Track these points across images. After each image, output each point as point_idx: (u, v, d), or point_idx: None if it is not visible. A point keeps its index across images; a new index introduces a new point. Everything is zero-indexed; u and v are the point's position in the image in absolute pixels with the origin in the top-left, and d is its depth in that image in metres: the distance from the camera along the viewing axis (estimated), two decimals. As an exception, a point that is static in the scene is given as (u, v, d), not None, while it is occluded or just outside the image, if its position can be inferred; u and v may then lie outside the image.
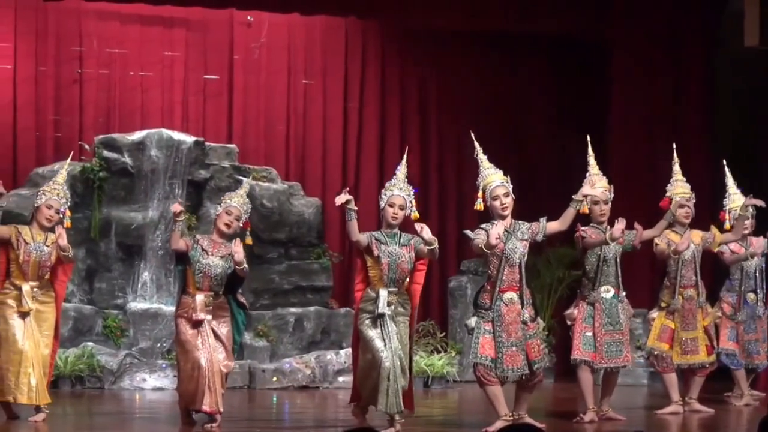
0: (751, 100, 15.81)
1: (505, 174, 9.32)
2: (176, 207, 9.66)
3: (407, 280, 9.21)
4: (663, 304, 10.86)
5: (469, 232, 9.17)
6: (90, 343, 13.36)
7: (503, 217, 9.15)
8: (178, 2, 14.89)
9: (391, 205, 9.20)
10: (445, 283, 15.17)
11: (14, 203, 13.09)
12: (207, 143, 14.40)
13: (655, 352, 10.83)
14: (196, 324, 9.53)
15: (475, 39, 16.05)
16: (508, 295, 9.13)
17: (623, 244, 10.12)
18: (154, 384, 13.27)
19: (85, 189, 13.81)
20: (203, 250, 9.57)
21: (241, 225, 9.77)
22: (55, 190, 9.92)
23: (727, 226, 11.28)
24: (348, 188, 9.43)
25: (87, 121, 14.99)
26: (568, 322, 10.30)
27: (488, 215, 9.23)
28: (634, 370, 13.59)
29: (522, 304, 9.14)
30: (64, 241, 9.72)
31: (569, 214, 9.33)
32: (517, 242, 9.16)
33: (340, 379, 13.52)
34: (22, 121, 14.77)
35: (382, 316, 9.04)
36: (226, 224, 9.69)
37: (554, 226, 9.29)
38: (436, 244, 9.09)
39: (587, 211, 9.95)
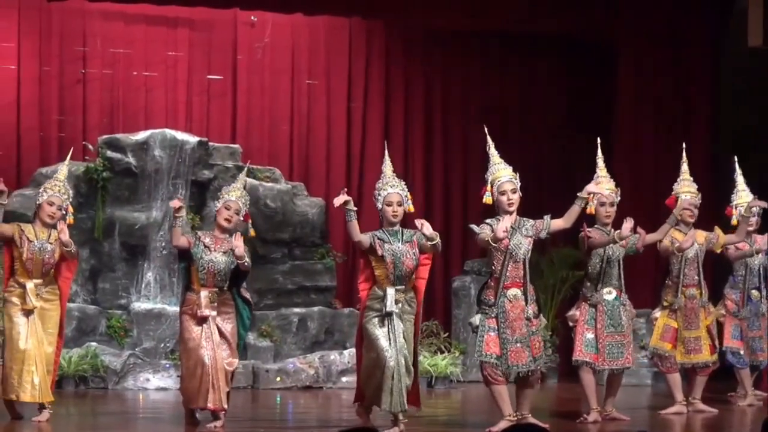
0: (754, 99, 15.79)
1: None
2: (176, 202, 9.64)
3: (413, 276, 9.20)
4: (665, 303, 10.86)
5: (474, 227, 9.13)
6: (93, 344, 13.35)
7: (509, 213, 9.12)
8: (182, 2, 14.89)
9: (389, 204, 9.18)
10: (449, 283, 15.16)
11: (18, 203, 13.05)
12: (211, 143, 14.39)
13: (659, 353, 10.84)
14: (201, 321, 9.51)
15: (479, 39, 16.06)
16: (512, 291, 9.12)
17: (626, 247, 10.11)
18: (157, 384, 13.26)
19: (89, 189, 13.81)
20: (206, 246, 9.56)
21: (241, 218, 9.75)
22: (56, 186, 9.90)
23: (734, 221, 11.28)
24: (346, 189, 9.38)
25: (91, 121, 14.97)
26: (570, 324, 10.30)
27: (494, 210, 9.21)
28: (637, 370, 13.60)
29: (526, 300, 9.14)
30: (65, 236, 9.69)
31: (573, 211, 9.30)
32: (522, 238, 9.15)
33: (344, 379, 13.51)
34: (25, 121, 14.76)
35: (389, 314, 9.02)
36: (227, 219, 9.67)
37: (558, 224, 9.27)
38: (438, 239, 9.07)
39: (593, 212, 9.95)
